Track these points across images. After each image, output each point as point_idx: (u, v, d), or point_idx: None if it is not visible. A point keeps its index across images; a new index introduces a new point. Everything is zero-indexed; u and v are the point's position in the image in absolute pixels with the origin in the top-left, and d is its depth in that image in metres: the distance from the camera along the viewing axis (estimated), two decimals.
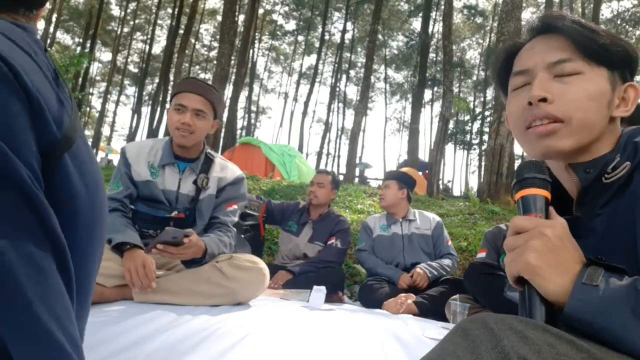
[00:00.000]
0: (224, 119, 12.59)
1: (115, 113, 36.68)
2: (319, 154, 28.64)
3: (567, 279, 0.56)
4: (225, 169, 2.11)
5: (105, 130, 35.75)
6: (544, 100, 0.68)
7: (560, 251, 0.57)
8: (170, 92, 18.23)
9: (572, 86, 0.68)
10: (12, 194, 0.54)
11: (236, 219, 2.11)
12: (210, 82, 2.17)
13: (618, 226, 0.65)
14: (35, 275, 0.56)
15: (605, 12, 23.07)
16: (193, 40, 28.93)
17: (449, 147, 30.59)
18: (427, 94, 29.36)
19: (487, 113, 24.35)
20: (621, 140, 0.69)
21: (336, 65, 28.65)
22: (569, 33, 0.70)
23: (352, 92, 35.68)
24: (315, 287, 2.23)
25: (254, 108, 33.90)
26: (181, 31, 19.25)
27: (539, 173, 0.65)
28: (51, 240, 0.59)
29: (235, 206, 2.09)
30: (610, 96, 0.69)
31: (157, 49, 34.02)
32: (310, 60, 38.16)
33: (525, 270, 0.58)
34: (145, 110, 29.82)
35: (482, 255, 2.59)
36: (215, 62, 15.34)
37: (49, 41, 24.55)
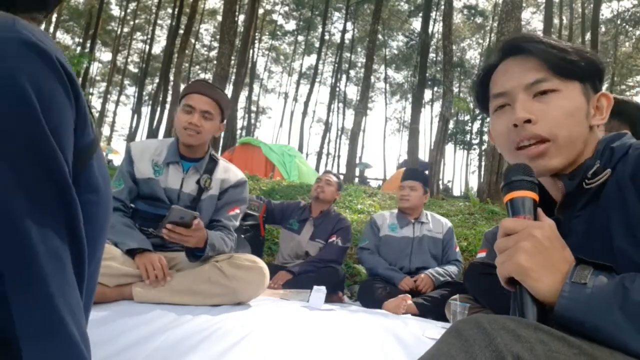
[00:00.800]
0: None
1: (115, 113, 36.68)
2: (319, 154, 28.65)
3: (556, 278, 0.57)
4: (229, 171, 2.13)
5: (105, 130, 35.75)
6: (528, 121, 0.72)
7: (549, 251, 0.59)
8: (170, 92, 18.22)
9: (551, 105, 0.72)
10: (50, 188, 0.57)
11: (237, 223, 2.12)
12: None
13: (595, 227, 0.68)
14: (58, 269, 0.58)
15: (605, 12, 23.04)
16: (193, 40, 28.90)
17: (449, 147, 30.66)
18: (427, 94, 29.41)
19: None
20: (599, 146, 0.73)
21: (336, 65, 28.63)
22: (540, 54, 0.74)
23: (352, 92, 35.72)
24: (315, 287, 2.23)
25: (254, 108, 33.90)
26: (181, 31, 19.21)
27: (526, 175, 0.67)
28: (72, 236, 0.61)
29: (237, 210, 2.11)
30: (586, 108, 0.74)
31: (157, 49, 34.03)
32: (310, 60, 38.18)
33: (516, 271, 0.59)
34: (145, 110, 29.81)
35: (482, 255, 2.58)
36: (215, 62, 15.33)
37: None
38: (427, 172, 12.03)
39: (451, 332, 0.50)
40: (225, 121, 2.14)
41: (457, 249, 3.04)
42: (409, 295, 2.50)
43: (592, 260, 0.57)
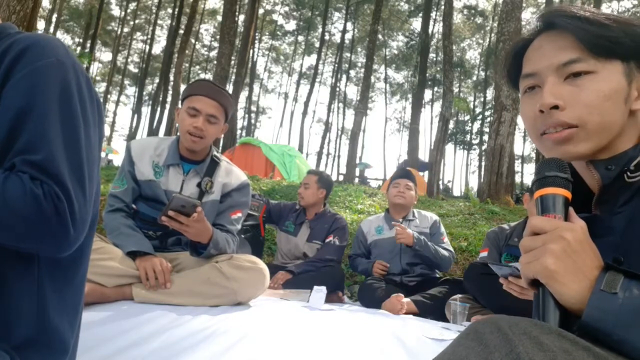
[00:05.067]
0: None
1: (115, 113, 36.61)
2: (319, 154, 28.71)
3: (584, 284, 0.54)
4: (231, 173, 2.09)
5: (106, 130, 35.66)
6: (555, 107, 0.65)
7: (579, 256, 0.55)
8: (170, 92, 18.21)
9: (584, 89, 0.64)
10: (61, 205, 0.63)
11: (239, 226, 2.09)
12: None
13: (638, 225, 0.62)
14: (59, 286, 0.61)
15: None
16: (193, 40, 28.90)
17: (449, 147, 30.66)
18: (427, 94, 29.42)
19: (487, 113, 24.38)
20: None
21: (336, 65, 28.67)
22: (575, 31, 0.65)
23: (352, 92, 35.69)
24: (315, 287, 2.23)
25: (254, 108, 33.88)
26: (181, 31, 19.22)
27: (561, 172, 0.62)
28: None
29: (239, 214, 2.08)
30: (627, 91, 0.65)
31: (157, 49, 34.08)
32: (310, 60, 38.14)
33: (542, 273, 0.56)
34: (145, 110, 29.88)
35: (483, 254, 2.59)
36: (215, 62, 15.32)
37: None
38: (426, 172, 12.06)
39: (469, 334, 0.47)
40: (227, 122, 2.10)
41: (446, 239, 3.03)
42: (402, 295, 2.50)
43: (622, 268, 0.53)
